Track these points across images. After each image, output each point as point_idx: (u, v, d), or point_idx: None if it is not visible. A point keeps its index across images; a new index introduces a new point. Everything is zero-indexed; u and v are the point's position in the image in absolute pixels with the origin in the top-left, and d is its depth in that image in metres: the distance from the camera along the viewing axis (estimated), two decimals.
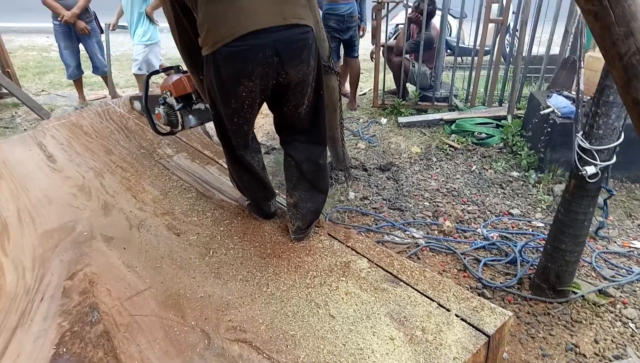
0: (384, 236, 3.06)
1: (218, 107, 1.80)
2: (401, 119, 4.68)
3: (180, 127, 2.24)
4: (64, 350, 1.54)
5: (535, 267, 2.54)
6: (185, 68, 2.06)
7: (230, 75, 1.67)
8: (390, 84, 5.45)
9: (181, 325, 1.62)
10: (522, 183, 3.63)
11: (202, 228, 2.12)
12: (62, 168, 2.59)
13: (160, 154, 2.72)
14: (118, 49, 7.91)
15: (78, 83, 5.25)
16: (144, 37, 4.52)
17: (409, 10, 4.66)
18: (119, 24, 5.06)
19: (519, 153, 3.86)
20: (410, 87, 5.22)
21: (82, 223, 2.15)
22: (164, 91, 2.20)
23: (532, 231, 3.06)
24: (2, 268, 1.89)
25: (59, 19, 4.63)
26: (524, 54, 4.16)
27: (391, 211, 3.37)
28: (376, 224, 3.19)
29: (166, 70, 2.28)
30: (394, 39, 5.25)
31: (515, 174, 3.73)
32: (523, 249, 2.79)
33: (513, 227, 3.13)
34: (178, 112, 2.18)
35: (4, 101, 5.46)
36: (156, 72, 2.30)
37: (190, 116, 2.21)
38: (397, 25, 6.12)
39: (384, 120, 4.82)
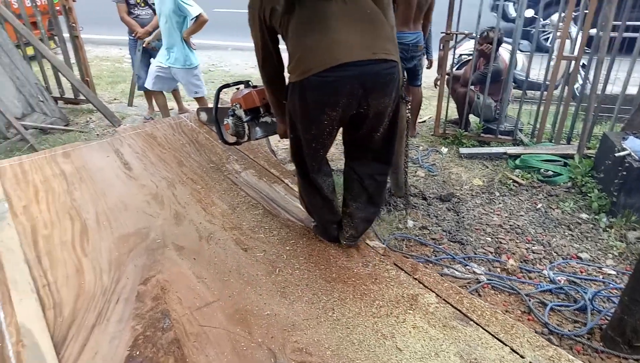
0: (444, 268, 2.99)
1: (298, 131, 1.86)
2: (463, 150, 4.60)
3: (246, 138, 2.33)
4: (137, 353, 1.59)
5: (608, 318, 2.40)
6: (254, 83, 2.17)
7: (315, 103, 1.72)
8: (452, 113, 5.39)
9: (248, 340, 1.64)
10: (591, 226, 3.46)
11: (269, 245, 2.15)
12: (138, 176, 2.71)
13: (228, 169, 2.80)
14: None
15: (148, 94, 5.49)
16: (185, 62, 4.58)
17: (475, 41, 4.63)
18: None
19: (588, 194, 3.70)
20: (473, 119, 5.14)
21: (155, 231, 2.24)
22: (234, 104, 2.30)
23: (603, 278, 2.90)
24: (82, 267, 1.99)
25: (133, 34, 4.92)
26: (597, 92, 4.01)
27: (451, 243, 3.29)
28: (435, 256, 3.12)
29: (237, 84, 2.39)
30: (457, 68, 5.22)
31: (584, 216, 3.56)
32: (594, 297, 2.65)
33: (582, 272, 2.98)
34: (246, 124, 2.28)
35: (80, 106, 5.80)
36: (227, 85, 2.41)
37: (257, 128, 2.31)
38: (461, 55, 6.07)
39: (444, 149, 4.75)
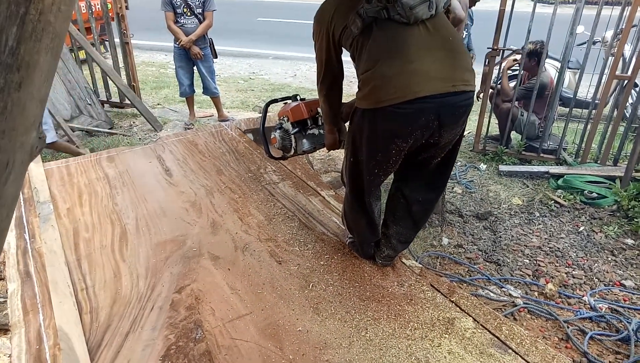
0: (478, 289, 2.91)
1: (360, 156, 1.81)
2: (502, 167, 4.49)
3: (292, 152, 2.34)
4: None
5: None
6: (302, 96, 2.18)
7: (387, 133, 1.68)
8: (493, 129, 5.27)
9: (279, 357, 1.63)
10: (637, 252, 3.30)
11: (303, 259, 2.14)
12: (178, 182, 2.76)
13: (266, 180, 2.82)
14: (227, 71, 8.42)
15: (190, 101, 5.63)
16: None
17: (518, 56, 4.52)
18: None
19: (635, 219, 3.54)
20: (514, 135, 5.01)
21: (191, 239, 2.27)
22: (282, 117, 2.32)
23: None
24: (119, 272, 2.04)
25: (177, 43, 5.06)
26: None
27: (487, 263, 3.21)
28: (470, 276, 3.05)
29: (284, 99, 2.41)
30: (500, 83, 5.11)
31: (629, 241, 3.41)
32: (639, 328, 2.52)
33: (625, 300, 2.84)
34: (293, 136, 2.29)
35: (124, 110, 5.99)
36: (275, 100, 2.43)
37: (305, 140, 2.31)
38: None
39: (483, 166, 4.65)
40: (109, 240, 2.25)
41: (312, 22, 1.89)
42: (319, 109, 2.28)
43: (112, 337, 1.70)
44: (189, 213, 2.47)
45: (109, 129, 5.31)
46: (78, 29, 5.35)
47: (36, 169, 2.80)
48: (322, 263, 2.13)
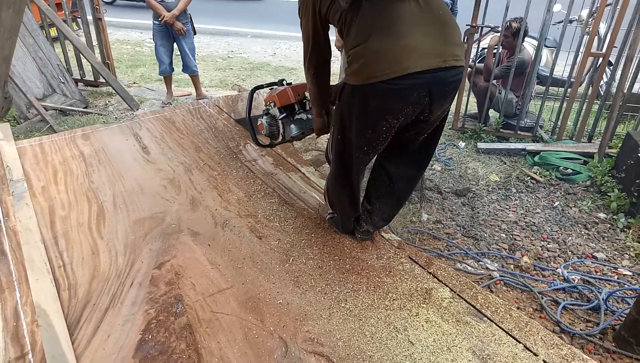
0: (456, 263, 2.97)
1: (349, 134, 1.78)
2: (481, 145, 4.55)
3: (280, 138, 2.30)
4: (149, 337, 1.60)
5: (622, 319, 2.37)
6: (288, 81, 2.13)
7: (377, 110, 1.65)
8: (472, 107, 5.32)
9: (260, 329, 1.65)
10: (609, 226, 3.40)
11: (283, 234, 2.15)
12: (155, 160, 2.72)
13: (246, 157, 2.80)
14: (204, 49, 8.27)
15: (168, 79, 5.53)
16: None
17: (496, 35, 4.54)
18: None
19: (608, 193, 3.63)
20: (493, 113, 5.07)
21: (171, 216, 2.25)
22: (268, 102, 2.27)
23: (618, 278, 2.86)
24: (98, 249, 2.01)
25: (159, 19, 4.91)
26: (623, 91, 3.92)
27: (465, 238, 3.27)
28: (448, 251, 3.11)
29: (270, 85, 2.36)
30: (480, 62, 5.13)
31: (602, 215, 3.51)
32: (609, 297, 2.61)
33: (596, 272, 2.94)
34: (280, 122, 2.24)
35: (99, 89, 5.85)
36: (260, 87, 2.38)
37: (292, 126, 2.27)
38: (484, 48, 5.97)
39: (462, 143, 4.70)
40: (85, 218, 2.22)
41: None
42: (307, 93, 2.23)
43: (92, 312, 1.69)
44: (167, 190, 2.45)
45: (84, 108, 5.19)
46: (48, 5, 5.17)
47: (8, 148, 2.73)
48: (302, 237, 2.13)
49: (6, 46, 0.71)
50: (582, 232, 3.35)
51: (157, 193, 2.42)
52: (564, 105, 4.42)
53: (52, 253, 1.98)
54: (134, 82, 6.40)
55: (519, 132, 4.65)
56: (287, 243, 2.09)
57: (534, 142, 4.54)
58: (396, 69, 1.55)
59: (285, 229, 2.18)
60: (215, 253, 2.00)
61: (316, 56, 1.86)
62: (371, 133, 1.72)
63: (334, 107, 1.97)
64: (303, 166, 2.73)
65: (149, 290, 1.80)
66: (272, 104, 2.25)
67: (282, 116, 2.23)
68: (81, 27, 5.71)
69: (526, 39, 4.78)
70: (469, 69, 4.75)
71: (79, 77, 5.76)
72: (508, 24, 4.38)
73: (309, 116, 2.27)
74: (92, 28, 5.51)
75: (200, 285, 1.83)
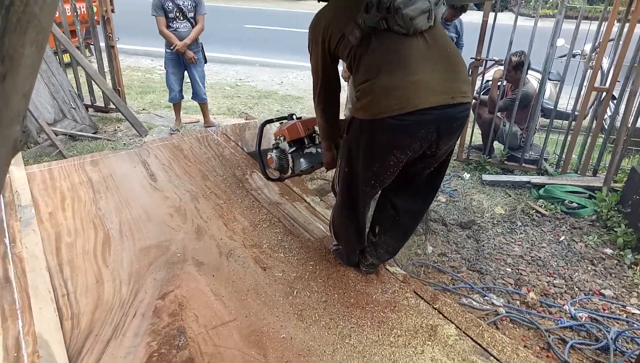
0: (461, 298, 2.94)
1: (356, 166, 1.79)
2: (486, 177, 4.55)
3: (290, 172, 2.31)
4: None
5: (632, 360, 2.32)
6: (297, 115, 2.16)
7: (385, 145, 1.67)
8: (476, 138, 5.35)
9: None
10: (616, 262, 3.37)
11: (288, 265, 2.14)
12: (162, 187, 2.75)
13: (252, 186, 2.81)
14: (213, 77, 8.40)
15: (177, 106, 5.60)
16: None
17: (500, 67, 4.60)
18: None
19: (614, 229, 3.61)
20: (497, 145, 5.09)
21: (176, 244, 2.26)
22: (278, 136, 2.30)
23: (627, 317, 2.82)
24: (102, 278, 2.01)
25: (171, 47, 5.01)
26: (627, 125, 3.94)
27: (470, 272, 3.24)
28: (453, 285, 3.07)
29: (280, 119, 2.39)
30: (484, 94, 5.18)
31: (608, 251, 3.48)
32: (618, 337, 2.57)
33: (604, 310, 2.89)
34: (290, 155, 2.26)
35: (109, 115, 5.93)
36: (270, 121, 2.42)
37: (302, 160, 2.29)
38: (488, 81, 6.04)
39: (467, 175, 4.71)
40: (91, 245, 2.23)
41: (307, 31, 1.87)
42: (316, 128, 2.25)
43: (94, 343, 1.68)
44: (173, 218, 2.46)
45: (93, 133, 5.25)
46: (63, 32, 5.30)
47: (18, 173, 2.76)
48: (306, 269, 2.13)
49: (27, 82, 0.72)
50: (589, 268, 3.32)
51: (163, 221, 2.43)
52: (569, 138, 4.44)
53: (57, 281, 1.98)
54: (144, 109, 6.48)
55: (523, 164, 4.66)
56: (291, 274, 2.09)
57: (538, 175, 4.54)
58: (405, 105, 1.58)
59: (289, 260, 2.18)
60: (220, 284, 2.00)
61: (325, 91, 1.89)
62: (379, 167, 1.73)
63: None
64: (308, 195, 2.74)
65: (152, 322, 1.79)
66: (281, 138, 2.27)
67: (291, 149, 2.26)
68: (94, 53, 5.82)
69: (530, 72, 4.84)
70: (474, 100, 4.80)
71: (90, 103, 5.84)
72: (509, 58, 4.44)
73: (319, 149, 2.29)
74: (104, 55, 5.62)
75: (203, 316, 1.82)
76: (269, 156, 2.33)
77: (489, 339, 1.74)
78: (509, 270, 3.28)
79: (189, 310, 1.85)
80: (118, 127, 5.67)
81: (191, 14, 5.01)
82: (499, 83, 4.65)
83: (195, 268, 2.10)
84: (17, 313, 1.78)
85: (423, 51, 1.62)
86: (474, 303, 2.88)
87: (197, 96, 5.42)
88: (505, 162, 4.75)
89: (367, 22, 1.63)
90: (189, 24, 5.03)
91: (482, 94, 5.13)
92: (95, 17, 5.52)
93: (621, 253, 3.43)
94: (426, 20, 1.61)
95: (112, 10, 5.49)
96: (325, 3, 1.85)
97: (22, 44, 0.67)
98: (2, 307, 1.81)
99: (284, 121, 2.34)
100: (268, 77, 8.78)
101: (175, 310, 1.84)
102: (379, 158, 1.71)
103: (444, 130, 1.65)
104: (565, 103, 4.94)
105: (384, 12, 1.59)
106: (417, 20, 1.58)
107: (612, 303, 2.95)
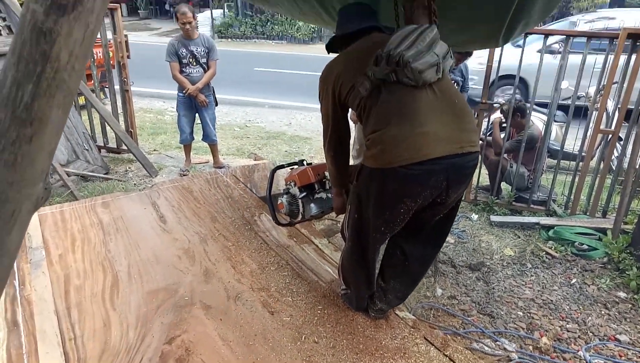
0: (472, 342, 2.88)
1: (366, 214, 1.81)
2: (494, 218, 4.53)
3: (300, 217, 2.33)
4: None
5: None
6: (308, 161, 2.19)
7: (396, 193, 1.69)
8: (483, 179, 5.36)
9: None
10: (630, 305, 3.30)
11: (296, 309, 2.13)
12: (171, 229, 2.77)
13: (260, 228, 2.83)
14: (223, 118, 8.56)
15: (187, 148, 5.70)
16: None
17: (498, 114, 4.69)
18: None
19: (626, 271, 3.55)
20: (505, 186, 5.09)
21: (184, 287, 2.25)
22: (288, 182, 2.34)
23: None
24: (109, 321, 2.01)
25: (183, 91, 5.16)
26: (635, 166, 3.94)
27: (481, 315, 3.18)
28: (464, 328, 3.02)
29: (290, 165, 2.44)
30: (490, 135, 5.23)
31: (622, 294, 3.41)
32: None
33: (621, 356, 2.82)
34: (300, 201, 2.29)
35: (120, 156, 6.03)
36: (281, 166, 2.46)
37: (312, 205, 2.31)
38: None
39: (475, 216, 4.69)
40: (100, 288, 2.23)
41: (314, 74, 1.94)
42: (326, 173, 2.29)
43: None
44: (182, 261, 2.47)
45: (105, 174, 5.33)
46: None
47: None
48: (315, 314, 2.11)
49: (52, 141, 0.76)
50: (603, 312, 3.25)
51: (172, 264, 2.44)
52: (576, 179, 4.44)
53: (64, 325, 1.98)
54: (155, 149, 6.59)
55: (531, 205, 4.64)
56: (299, 319, 2.07)
57: (547, 216, 4.51)
58: (415, 155, 1.61)
59: (297, 304, 2.17)
60: (227, 328, 1.98)
61: (335, 138, 1.93)
62: (389, 215, 1.74)
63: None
64: (317, 238, 2.74)
65: None
66: (292, 184, 2.30)
67: (302, 195, 2.28)
68: (108, 96, 5.98)
69: (534, 113, 4.90)
70: (480, 142, 4.84)
71: (103, 144, 5.96)
72: (500, 107, 4.53)
73: (329, 195, 2.31)
74: (118, 97, 5.77)
75: (210, 362, 1.80)
76: (279, 202, 2.36)
77: None
78: (521, 313, 3.22)
79: (196, 355, 1.83)
80: (129, 167, 5.76)
81: (204, 60, 5.18)
82: (504, 125, 4.70)
83: (202, 311, 2.09)
84: (24, 358, 1.77)
85: (432, 102, 1.67)
86: (486, 348, 2.82)
87: (207, 137, 5.52)
88: (513, 203, 4.74)
89: (376, 74, 1.67)
90: (202, 69, 5.19)
91: (488, 135, 5.18)
92: (111, 62, 5.71)
93: (635, 296, 3.36)
94: (434, 73, 1.65)
95: (128, 57, 5.69)
96: (336, 54, 1.92)
97: (50, 107, 0.71)
98: (9, 351, 1.80)
99: (295, 167, 2.38)
100: (277, 118, 8.93)
101: (182, 356, 1.83)
102: (390, 206, 1.72)
103: (453, 179, 1.68)
104: (572, 144, 4.97)
105: (393, 65, 1.63)
106: (425, 73, 1.62)
107: (629, 349, 2.87)
